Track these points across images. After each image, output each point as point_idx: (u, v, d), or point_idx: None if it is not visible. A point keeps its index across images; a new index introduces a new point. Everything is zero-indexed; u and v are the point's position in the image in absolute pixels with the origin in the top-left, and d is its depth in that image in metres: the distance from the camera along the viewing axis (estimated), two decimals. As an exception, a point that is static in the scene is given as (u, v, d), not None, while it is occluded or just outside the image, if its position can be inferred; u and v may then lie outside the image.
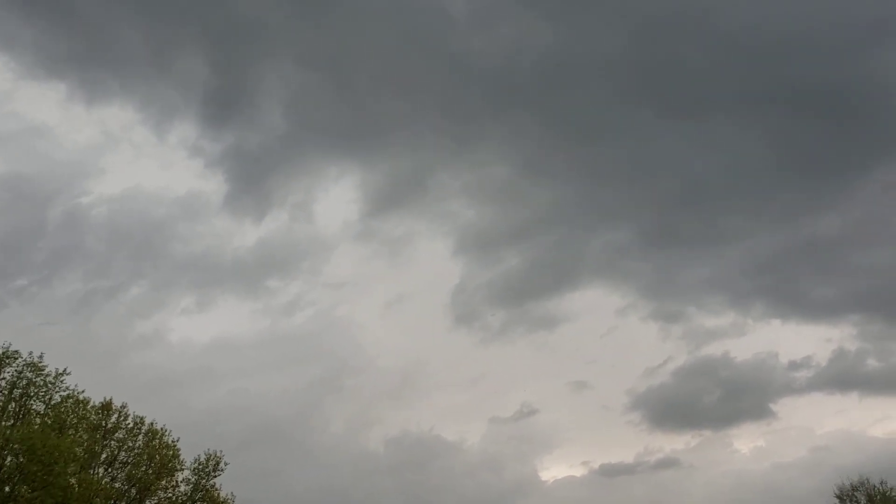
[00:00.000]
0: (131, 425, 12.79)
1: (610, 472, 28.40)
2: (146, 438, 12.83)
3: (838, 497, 16.23)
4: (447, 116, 38.45)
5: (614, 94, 34.60)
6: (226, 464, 13.28)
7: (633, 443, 36.79)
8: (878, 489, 15.86)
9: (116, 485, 12.15)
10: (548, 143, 37.36)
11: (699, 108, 33.57)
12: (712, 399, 29.75)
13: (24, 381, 11.24)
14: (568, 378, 37.24)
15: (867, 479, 16.03)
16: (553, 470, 37.09)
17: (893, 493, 15.74)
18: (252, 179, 39.91)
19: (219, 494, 13.11)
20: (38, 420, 11.13)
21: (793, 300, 31.66)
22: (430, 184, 39.52)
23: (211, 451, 13.16)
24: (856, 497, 15.98)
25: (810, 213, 32.61)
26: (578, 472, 32.23)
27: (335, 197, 46.24)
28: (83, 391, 11.96)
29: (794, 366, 29.70)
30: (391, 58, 36.95)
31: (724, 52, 31.77)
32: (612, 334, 35.65)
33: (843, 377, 28.29)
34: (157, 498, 12.55)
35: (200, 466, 13.01)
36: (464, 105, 38.53)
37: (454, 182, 38.84)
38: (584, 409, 33.33)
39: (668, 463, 28.08)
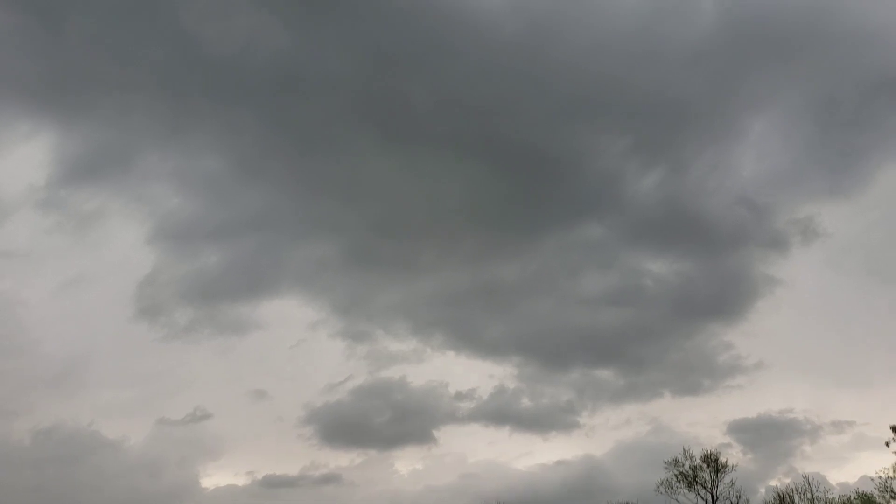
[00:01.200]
0: None
1: (273, 483, 28.26)
2: None
3: (476, 521, 17.62)
4: (166, 96, 36.26)
5: (340, 112, 35.12)
6: None
7: (300, 456, 36.98)
8: (512, 516, 17.48)
9: None
10: (267, 146, 36.74)
11: (416, 142, 35.25)
12: (383, 420, 31.00)
13: None
14: (249, 386, 36.51)
15: (503, 507, 17.61)
16: (216, 477, 35.98)
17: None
18: (-77, 119, 34.42)
19: None
20: None
21: (468, 335, 34.16)
22: (135, 162, 36.85)
23: None
24: (491, 521, 17.47)
25: (494, 260, 35.53)
26: (241, 481, 31.63)
27: (22, 156, 41.26)
28: None
29: (459, 396, 31.88)
30: (114, 20, 34.23)
31: (447, 97, 33.84)
32: (301, 346, 35.66)
33: (499, 412, 30.94)
34: None
35: None
36: (186, 88, 36.66)
37: (162, 165, 36.60)
38: (259, 418, 32.93)
39: (330, 479, 28.60)
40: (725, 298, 32.54)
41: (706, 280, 34.61)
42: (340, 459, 37.96)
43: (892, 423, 13.38)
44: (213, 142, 40.29)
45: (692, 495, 15.59)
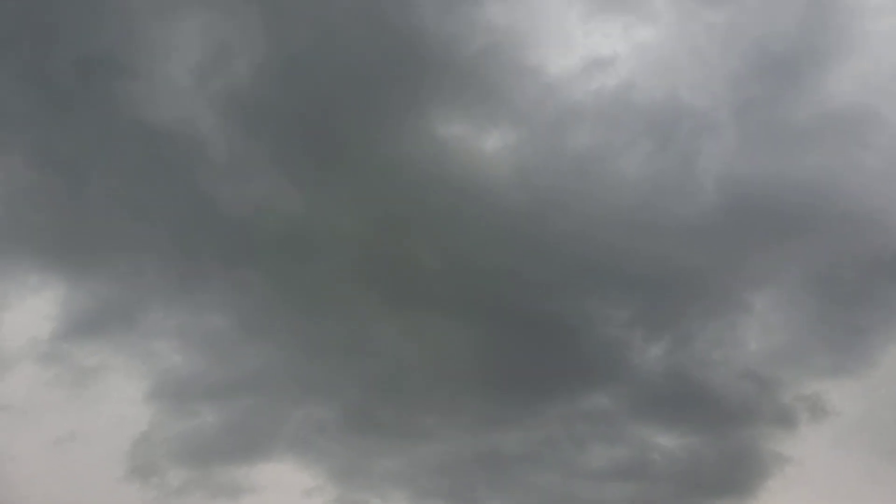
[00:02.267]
0: None
1: None
2: None
3: None
4: (177, 252, 36.50)
5: (346, 273, 35.22)
6: None
7: None
8: None
9: None
10: (272, 305, 36.62)
11: (420, 305, 35.13)
12: None
13: None
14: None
15: None
16: None
17: None
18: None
19: None
20: None
21: (468, 506, 32.84)
22: (140, 317, 36.52)
23: None
24: None
25: (497, 428, 34.49)
26: None
27: (30, 309, 40.95)
28: None
29: (456, 574, 29.98)
30: (133, 178, 35.10)
31: (453, 262, 34.02)
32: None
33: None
34: None
35: None
36: (197, 248, 37.01)
37: (167, 322, 36.28)
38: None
39: None
40: (734, 475, 31.31)
41: (715, 455, 33.44)
42: None
43: None
44: (219, 300, 40.01)
45: None
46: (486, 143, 21.86)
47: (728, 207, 20.74)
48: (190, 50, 17.96)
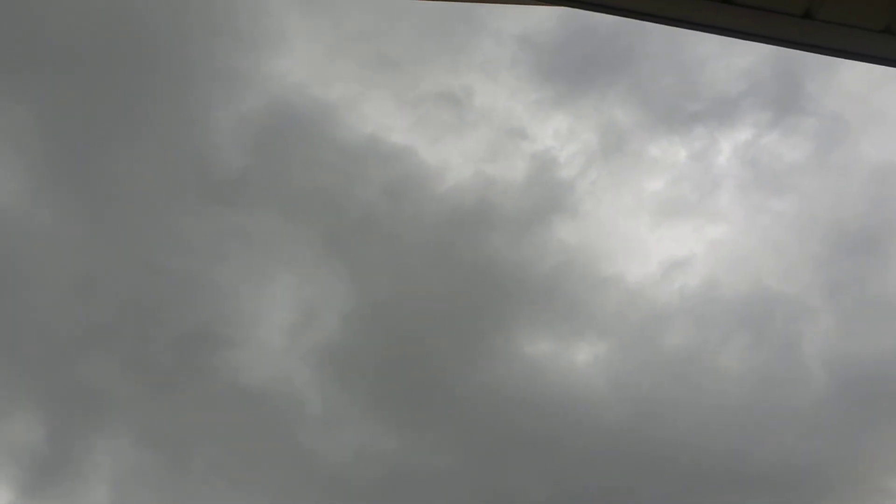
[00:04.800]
0: None
1: None
2: None
3: None
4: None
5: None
6: None
7: None
8: None
9: None
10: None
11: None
12: None
13: None
14: None
15: None
16: None
17: None
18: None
19: None
20: None
21: None
22: None
23: None
24: None
25: None
26: None
27: None
28: None
29: None
30: (235, 445, 35.29)
31: (563, 487, 32.38)
32: None
33: None
34: None
35: None
36: (299, 499, 36.50)
37: None
38: None
39: None
40: None
41: None
42: None
43: None
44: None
45: None
46: (576, 357, 21.60)
47: (843, 390, 19.56)
48: (280, 312, 18.84)
